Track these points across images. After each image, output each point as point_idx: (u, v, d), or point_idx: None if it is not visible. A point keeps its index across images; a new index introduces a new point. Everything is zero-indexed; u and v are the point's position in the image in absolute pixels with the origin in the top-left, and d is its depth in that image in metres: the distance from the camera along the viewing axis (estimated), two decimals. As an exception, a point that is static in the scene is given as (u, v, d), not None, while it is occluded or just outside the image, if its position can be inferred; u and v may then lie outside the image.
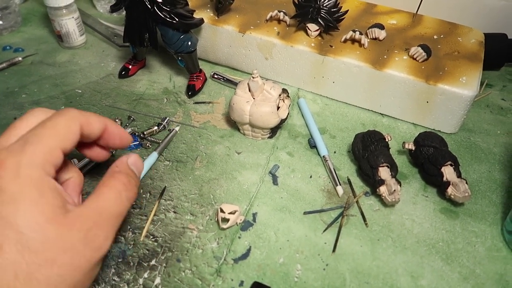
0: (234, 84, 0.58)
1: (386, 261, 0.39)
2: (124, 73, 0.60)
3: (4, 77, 0.59)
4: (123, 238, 0.39)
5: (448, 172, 0.44)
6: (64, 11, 0.62)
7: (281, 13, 0.58)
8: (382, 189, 0.43)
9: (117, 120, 0.52)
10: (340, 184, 0.45)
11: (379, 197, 0.44)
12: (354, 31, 0.55)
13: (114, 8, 0.53)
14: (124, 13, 0.54)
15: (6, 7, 0.67)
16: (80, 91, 0.57)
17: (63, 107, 0.55)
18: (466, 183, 0.43)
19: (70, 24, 0.63)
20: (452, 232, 0.42)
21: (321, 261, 0.39)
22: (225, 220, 0.40)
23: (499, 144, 0.52)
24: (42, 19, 0.72)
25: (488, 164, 0.49)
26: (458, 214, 0.43)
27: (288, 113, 0.51)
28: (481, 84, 0.61)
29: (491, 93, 0.60)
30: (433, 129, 0.54)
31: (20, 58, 0.62)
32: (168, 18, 0.51)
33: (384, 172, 0.44)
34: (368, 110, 0.56)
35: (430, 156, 0.45)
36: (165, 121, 0.52)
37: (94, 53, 0.65)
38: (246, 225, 0.41)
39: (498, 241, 0.41)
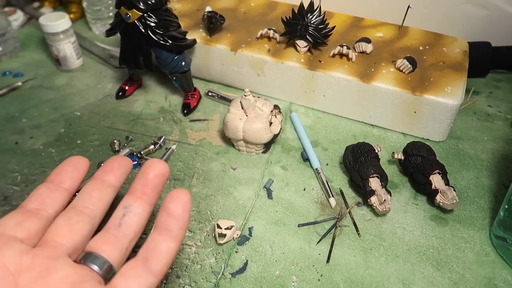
0: (228, 100, 0.60)
1: (378, 270, 0.40)
2: (121, 94, 0.62)
3: (4, 103, 0.61)
4: (124, 256, 0.41)
5: (436, 180, 0.46)
6: (61, 36, 0.64)
7: (271, 30, 0.60)
8: (373, 199, 0.44)
9: (115, 141, 0.53)
10: (332, 196, 0.47)
11: (370, 207, 0.46)
12: (341, 46, 0.57)
13: (109, 33, 0.55)
14: (119, 35, 0.56)
15: (4, 34, 0.70)
16: (79, 113, 0.59)
17: (62, 130, 0.56)
18: (454, 190, 0.45)
19: (67, 48, 0.65)
20: (442, 239, 0.43)
21: (315, 272, 0.40)
22: (222, 235, 0.42)
23: (486, 151, 0.54)
24: (40, 44, 0.74)
25: (476, 170, 0.51)
26: (447, 220, 0.45)
27: (281, 128, 0.52)
28: (468, 91, 0.63)
29: (478, 100, 0.62)
30: (422, 138, 0.55)
31: (20, 83, 0.64)
32: (162, 41, 0.53)
33: (374, 183, 0.46)
34: (359, 121, 0.58)
35: (418, 165, 0.47)
36: (161, 140, 0.53)
37: (92, 75, 0.67)
38: (242, 240, 0.43)
39: (487, 245, 0.42)
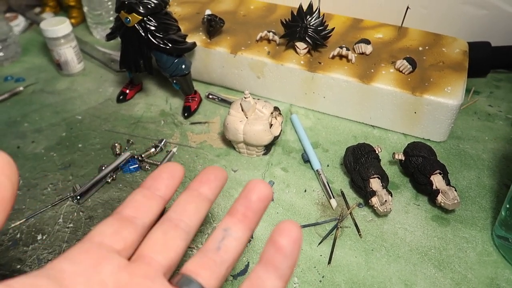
0: (229, 103, 0.60)
1: (380, 271, 0.40)
2: (122, 98, 0.62)
3: (6, 107, 0.62)
4: (125, 259, 0.41)
5: (437, 180, 0.46)
6: (62, 41, 0.65)
7: (271, 33, 0.60)
8: (374, 200, 0.44)
9: (116, 144, 0.53)
10: (333, 197, 0.47)
11: (371, 208, 0.45)
12: (341, 47, 0.57)
13: (109, 37, 0.56)
14: (119, 39, 0.56)
15: (5, 39, 0.70)
16: (80, 117, 0.59)
17: (64, 134, 0.56)
18: (455, 190, 0.45)
19: (68, 52, 0.66)
20: (443, 239, 0.43)
21: (317, 273, 0.40)
22: (223, 237, 0.42)
23: (487, 150, 0.53)
24: (41, 49, 0.75)
25: (477, 170, 0.51)
26: (449, 221, 0.45)
27: (281, 130, 0.53)
28: (468, 91, 0.63)
29: (478, 100, 0.62)
30: (423, 138, 0.55)
31: (21, 88, 0.64)
32: (162, 44, 0.53)
33: (375, 183, 0.46)
34: (359, 122, 0.58)
35: (419, 166, 0.47)
36: (162, 143, 0.53)
37: (92, 79, 0.68)
38: (243, 242, 0.43)
39: (489, 245, 0.42)
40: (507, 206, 0.41)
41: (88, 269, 0.22)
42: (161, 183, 0.27)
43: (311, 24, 0.56)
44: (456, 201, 0.44)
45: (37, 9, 0.84)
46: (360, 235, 0.43)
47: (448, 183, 0.46)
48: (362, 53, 0.58)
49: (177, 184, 0.28)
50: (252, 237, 0.43)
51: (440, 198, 0.44)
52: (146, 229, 0.26)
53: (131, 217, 0.25)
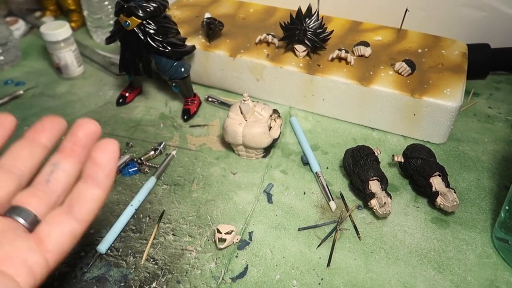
0: (228, 106, 0.60)
1: (379, 273, 0.40)
2: (122, 101, 0.62)
3: (6, 111, 0.61)
4: (124, 262, 0.41)
5: (436, 182, 0.46)
6: (62, 44, 0.65)
7: (270, 36, 0.60)
8: (373, 202, 0.44)
9: (115, 147, 0.53)
10: (333, 199, 0.47)
11: (371, 210, 0.45)
12: (340, 49, 0.57)
13: (109, 40, 0.56)
14: (119, 43, 0.57)
15: (6, 43, 0.70)
16: (79, 121, 0.59)
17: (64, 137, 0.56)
18: (455, 192, 0.44)
19: (68, 56, 0.66)
20: (443, 241, 0.43)
21: (316, 276, 0.40)
22: (222, 240, 0.42)
23: (487, 152, 0.53)
24: (41, 52, 0.75)
25: (477, 172, 0.51)
26: (448, 223, 0.45)
27: (280, 132, 0.53)
28: (468, 93, 0.63)
29: (478, 101, 0.62)
30: (422, 141, 0.55)
31: (21, 92, 0.64)
32: (161, 47, 0.53)
33: (374, 186, 0.46)
34: (359, 125, 0.58)
35: (418, 168, 0.47)
36: (161, 146, 0.53)
37: (92, 82, 0.68)
38: (242, 244, 0.43)
39: (488, 247, 0.42)
40: (507, 208, 0.40)
41: None
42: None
43: (310, 26, 0.56)
44: (455, 203, 0.44)
45: (38, 13, 0.85)
46: (359, 237, 0.43)
47: (447, 185, 0.46)
48: (361, 56, 0.58)
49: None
50: (251, 240, 0.43)
51: (439, 200, 0.44)
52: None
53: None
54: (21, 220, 0.26)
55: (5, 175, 0.27)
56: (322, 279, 0.39)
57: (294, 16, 0.56)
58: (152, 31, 0.52)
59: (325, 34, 0.57)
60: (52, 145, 0.29)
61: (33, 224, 0.26)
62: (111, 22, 0.76)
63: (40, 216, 0.26)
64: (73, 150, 0.28)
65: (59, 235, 0.26)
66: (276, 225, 0.45)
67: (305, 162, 0.52)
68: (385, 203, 0.44)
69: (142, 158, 0.52)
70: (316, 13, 0.55)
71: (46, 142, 0.29)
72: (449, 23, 0.69)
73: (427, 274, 0.40)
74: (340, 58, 0.58)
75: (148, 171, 0.51)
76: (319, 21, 0.56)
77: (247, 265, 0.41)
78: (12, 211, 0.26)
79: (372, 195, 0.45)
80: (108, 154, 0.27)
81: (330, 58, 0.57)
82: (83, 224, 0.26)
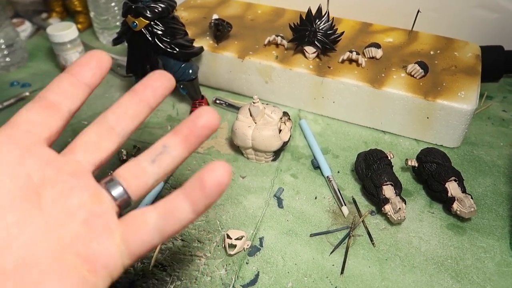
0: (236, 108, 0.59)
1: (395, 281, 0.39)
2: (128, 103, 0.61)
3: (12, 113, 0.61)
4: (132, 268, 0.40)
5: (452, 187, 0.44)
6: (69, 46, 0.64)
7: (279, 37, 0.59)
8: (387, 208, 0.43)
9: (122, 150, 0.53)
10: (345, 204, 0.45)
11: (384, 215, 0.44)
12: (351, 51, 0.56)
13: (116, 41, 0.55)
14: (126, 44, 0.56)
15: (12, 44, 0.70)
16: (86, 123, 0.58)
17: (70, 139, 0.56)
18: (471, 198, 0.43)
19: (75, 57, 0.65)
20: (460, 249, 0.41)
21: (329, 284, 0.38)
22: (232, 246, 0.40)
23: (503, 156, 0.52)
24: (48, 54, 0.74)
25: (493, 177, 0.49)
26: (465, 229, 0.43)
27: (290, 135, 0.51)
28: (481, 96, 0.61)
29: (492, 105, 0.61)
30: (436, 144, 0.54)
31: (27, 93, 0.64)
32: (169, 48, 0.52)
33: (388, 191, 0.44)
34: (370, 128, 0.57)
35: (433, 172, 0.46)
36: (170, 149, 0.52)
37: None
38: (253, 250, 0.41)
39: (508, 255, 0.41)
40: (527, 214, 0.39)
41: (14, 160, 0.23)
42: (88, 71, 0.27)
43: (320, 28, 0.55)
44: (472, 209, 0.42)
45: (44, 15, 0.84)
46: (373, 244, 0.42)
47: (463, 191, 0.44)
48: (372, 58, 0.57)
49: (104, 74, 0.28)
50: (262, 246, 0.42)
51: (456, 206, 0.43)
52: (71, 116, 0.27)
53: (57, 103, 0.26)
54: (116, 200, 0.24)
55: (110, 135, 0.26)
56: (336, 287, 0.38)
57: (304, 17, 0.55)
58: (160, 32, 0.51)
59: (335, 36, 0.56)
60: (157, 105, 0.28)
61: (124, 204, 0.25)
62: (118, 23, 0.75)
63: (133, 197, 0.25)
64: (187, 138, 0.26)
65: (144, 238, 0.24)
66: (287, 230, 0.43)
67: (316, 166, 0.51)
68: (399, 208, 0.43)
69: (149, 161, 0.51)
70: (326, 14, 0.54)
71: (153, 102, 0.27)
72: (461, 25, 0.68)
73: (445, 283, 0.38)
74: (350, 60, 0.56)
75: (156, 174, 0.50)
76: (329, 22, 0.55)
77: (258, 272, 0.40)
78: (110, 184, 0.25)
79: (386, 200, 0.43)
80: (219, 184, 0.24)
81: (340, 59, 0.56)
82: (164, 239, 0.24)
